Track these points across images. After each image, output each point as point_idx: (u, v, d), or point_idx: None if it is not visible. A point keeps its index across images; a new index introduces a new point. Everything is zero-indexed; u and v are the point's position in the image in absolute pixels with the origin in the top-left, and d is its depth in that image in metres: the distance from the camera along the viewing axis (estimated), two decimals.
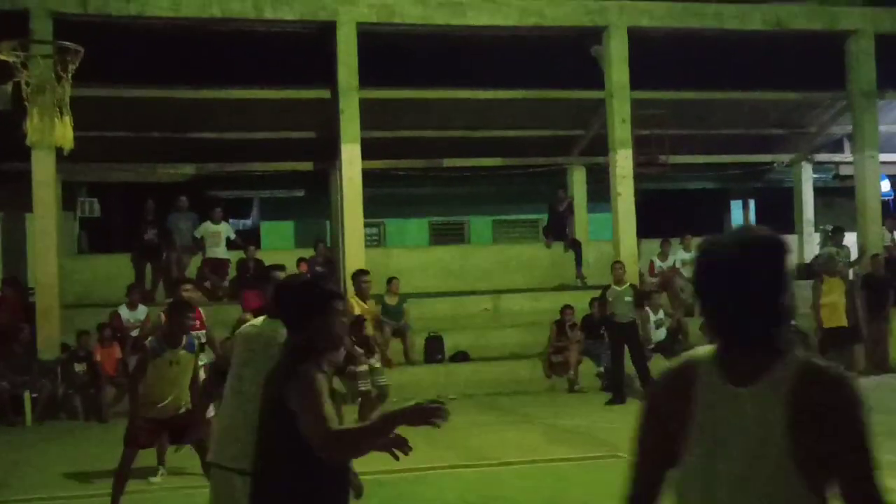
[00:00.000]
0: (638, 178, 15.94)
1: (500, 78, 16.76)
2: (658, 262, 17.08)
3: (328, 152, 15.73)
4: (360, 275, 12.30)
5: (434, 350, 15.26)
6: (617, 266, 14.19)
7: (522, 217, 23.61)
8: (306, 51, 15.84)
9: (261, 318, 4.94)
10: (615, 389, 13.30)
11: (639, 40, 15.60)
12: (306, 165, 17.72)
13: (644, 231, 16.31)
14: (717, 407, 2.28)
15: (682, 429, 2.31)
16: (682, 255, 17.31)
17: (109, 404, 13.09)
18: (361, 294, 12.12)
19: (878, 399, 8.12)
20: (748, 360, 2.29)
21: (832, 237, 17.88)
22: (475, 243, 22.56)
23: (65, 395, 13.32)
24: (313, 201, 20.19)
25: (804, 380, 2.22)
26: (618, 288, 13.77)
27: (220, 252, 16.41)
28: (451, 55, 16.62)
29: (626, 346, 13.54)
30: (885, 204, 18.79)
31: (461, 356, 15.30)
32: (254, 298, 15.22)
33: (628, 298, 13.68)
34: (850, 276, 16.68)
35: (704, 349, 2.41)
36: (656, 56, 15.91)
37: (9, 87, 9.81)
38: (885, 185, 20.64)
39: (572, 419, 12.00)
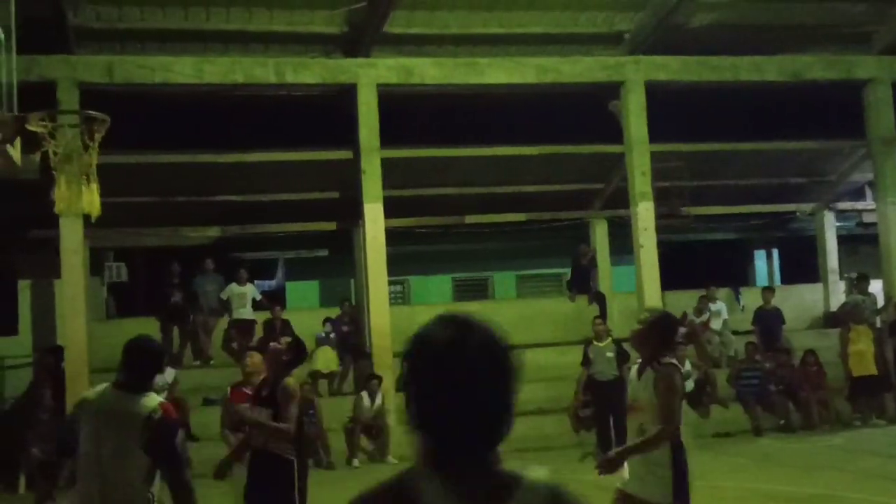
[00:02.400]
0: (660, 230, 15.96)
1: (519, 134, 16.93)
2: (691, 316, 17.01)
3: (351, 212, 15.88)
4: None
5: None
6: (596, 322, 14.02)
7: (546, 272, 23.65)
8: (328, 113, 16.08)
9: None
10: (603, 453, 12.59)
11: (656, 94, 15.73)
12: (330, 225, 17.88)
13: (667, 283, 16.29)
14: None
15: None
16: (711, 307, 17.28)
17: None
18: None
19: None
20: (483, 481, 2.04)
21: (857, 285, 17.79)
22: (499, 299, 22.59)
23: None
24: (337, 261, 20.32)
25: None
26: (599, 344, 13.54)
27: (247, 313, 16.51)
28: (471, 113, 16.82)
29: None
30: None
31: None
32: None
33: (610, 354, 13.36)
34: (878, 324, 16.58)
35: (406, 473, 2.09)
36: (674, 108, 16.04)
37: (37, 156, 9.99)
38: None
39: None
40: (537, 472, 2.04)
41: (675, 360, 5.73)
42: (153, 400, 5.01)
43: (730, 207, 19.92)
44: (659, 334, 5.72)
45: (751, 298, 18.56)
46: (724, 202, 19.52)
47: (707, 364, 16.14)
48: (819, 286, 20.40)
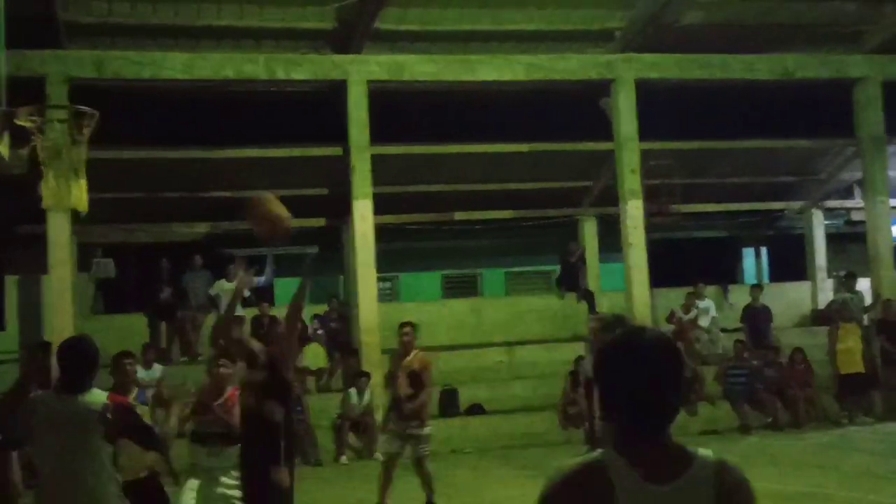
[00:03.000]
0: (649, 227, 15.99)
1: (509, 131, 16.92)
2: (680, 313, 17.05)
3: (340, 208, 15.87)
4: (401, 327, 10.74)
5: (449, 403, 15.23)
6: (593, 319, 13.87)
7: (535, 269, 23.64)
8: (318, 109, 16.05)
9: None
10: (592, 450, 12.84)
11: (647, 91, 15.75)
12: (319, 222, 17.86)
13: (656, 281, 16.32)
14: None
15: None
16: (699, 304, 17.32)
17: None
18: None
19: (893, 445, 8.15)
20: (661, 459, 2.44)
21: (845, 283, 17.86)
22: (488, 296, 22.60)
23: None
24: (326, 257, 20.30)
25: (724, 479, 2.43)
26: (589, 343, 13.48)
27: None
28: (461, 110, 16.82)
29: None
30: None
31: (476, 409, 15.27)
32: None
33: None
34: (865, 322, 16.65)
35: (595, 454, 2.49)
36: (665, 106, 16.06)
37: (25, 151, 9.94)
38: None
39: None
40: (704, 450, 2.48)
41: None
42: (98, 395, 5.24)
43: (719, 205, 19.97)
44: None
45: (739, 296, 18.61)
46: (714, 200, 19.56)
47: (695, 362, 16.17)
48: (807, 284, 20.47)
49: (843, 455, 12.30)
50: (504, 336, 17.47)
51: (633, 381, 2.47)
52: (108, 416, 5.14)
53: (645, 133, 15.76)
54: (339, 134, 15.29)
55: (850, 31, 16.39)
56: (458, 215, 18.58)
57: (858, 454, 12.41)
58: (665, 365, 2.48)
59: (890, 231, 17.37)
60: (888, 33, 16.17)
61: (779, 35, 16.13)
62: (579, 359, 14.59)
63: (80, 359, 5.33)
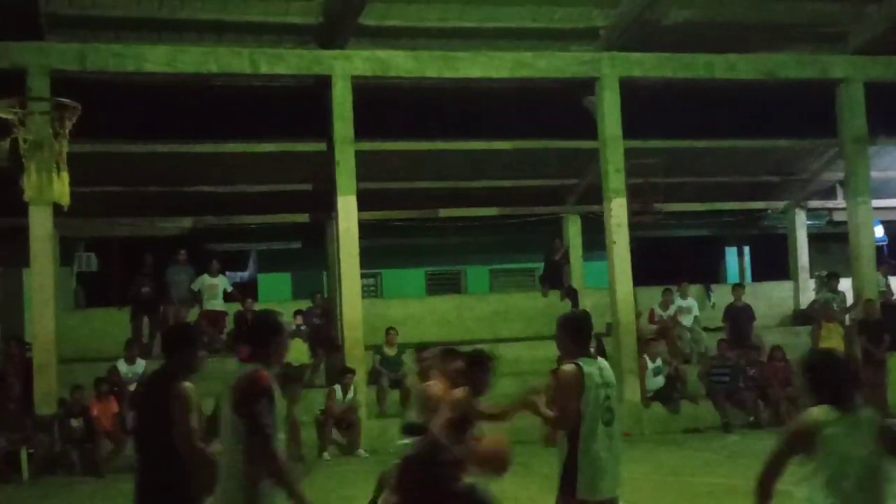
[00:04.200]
0: (633, 226, 16.01)
1: (495, 129, 16.93)
2: (659, 311, 17.10)
3: (325, 204, 15.83)
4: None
5: None
6: None
7: (519, 266, 23.69)
8: (302, 104, 16.01)
9: None
10: None
11: (631, 90, 15.76)
12: (303, 217, 17.82)
13: (640, 279, 16.35)
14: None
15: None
16: (679, 303, 17.36)
17: (106, 459, 13.04)
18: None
19: None
20: (859, 414, 4.38)
21: (827, 283, 17.94)
22: (472, 293, 22.60)
23: (61, 451, 13.26)
24: (310, 253, 20.26)
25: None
26: None
27: (218, 305, 16.44)
28: (446, 107, 16.82)
29: None
30: (878, 249, 18.86)
31: None
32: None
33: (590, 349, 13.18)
34: (847, 322, 16.72)
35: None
36: (649, 105, 16.08)
37: (6, 143, 9.88)
38: (879, 231, 20.75)
39: None
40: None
41: (579, 362, 5.59)
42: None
43: (702, 204, 20.04)
44: (566, 335, 5.78)
45: (722, 295, 18.67)
46: (697, 199, 19.63)
47: (678, 360, 16.22)
48: (789, 284, 20.56)
49: None
50: (487, 333, 17.47)
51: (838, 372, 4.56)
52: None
53: (630, 132, 15.78)
54: (323, 129, 15.25)
55: (833, 32, 16.44)
56: (443, 212, 18.58)
57: None
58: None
59: (871, 231, 17.45)
60: (871, 34, 16.21)
61: (763, 35, 16.17)
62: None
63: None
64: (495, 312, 18.51)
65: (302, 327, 15.92)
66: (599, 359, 5.90)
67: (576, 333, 5.92)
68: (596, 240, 17.61)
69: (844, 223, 17.82)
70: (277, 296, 21.65)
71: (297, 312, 16.20)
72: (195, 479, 5.07)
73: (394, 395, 14.99)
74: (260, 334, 5.00)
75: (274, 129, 16.21)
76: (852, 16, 16.12)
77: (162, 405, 5.16)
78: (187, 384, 5.20)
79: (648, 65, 15.90)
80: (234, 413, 4.72)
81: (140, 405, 5.51)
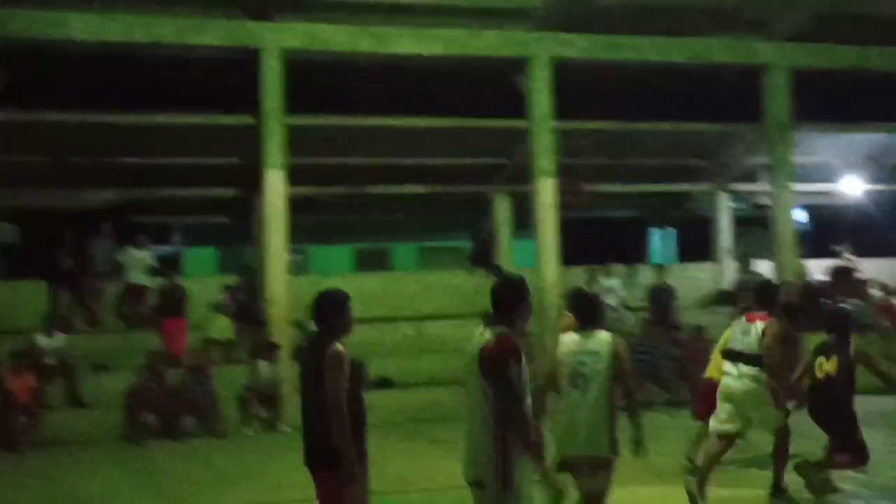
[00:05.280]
0: (561, 206, 16.12)
1: (426, 106, 16.87)
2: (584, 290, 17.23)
3: (252, 178, 15.64)
4: None
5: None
6: None
7: (447, 244, 23.72)
8: (231, 77, 15.77)
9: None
10: None
11: (563, 71, 15.83)
12: (230, 192, 17.61)
13: (567, 259, 16.48)
14: None
15: None
16: (606, 283, 17.52)
17: (22, 433, 12.78)
18: None
19: (797, 424, 8.40)
20: None
21: (747, 265, 18.31)
22: (400, 271, 22.59)
23: None
24: (237, 228, 20.03)
25: None
26: None
27: (141, 279, 16.16)
28: (380, 83, 16.69)
29: None
30: (800, 233, 19.27)
31: (384, 383, 15.26)
32: (173, 326, 15.07)
33: None
34: None
35: None
36: (580, 86, 16.17)
37: None
38: (801, 215, 21.22)
39: None
40: None
41: (508, 330, 5.12)
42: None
43: (630, 186, 20.25)
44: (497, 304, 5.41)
45: (647, 276, 18.91)
46: (625, 181, 19.83)
47: None
48: (712, 265, 20.92)
49: None
50: (414, 311, 17.47)
51: None
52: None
53: (561, 112, 15.86)
54: (252, 103, 15.04)
55: (761, 19, 16.69)
56: (372, 189, 18.49)
57: (756, 431, 12.69)
58: None
59: (793, 216, 17.83)
60: (798, 22, 16.51)
61: (693, 19, 16.33)
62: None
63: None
64: (423, 290, 18.51)
65: (227, 302, 15.78)
66: (597, 332, 6.24)
67: (574, 309, 6.52)
68: (524, 219, 17.71)
69: (767, 207, 18.17)
70: (202, 270, 21.40)
71: (225, 288, 16.06)
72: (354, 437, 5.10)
73: None
74: (508, 299, 5.02)
75: (202, 102, 15.95)
76: (780, 3, 16.38)
77: (318, 367, 5.23)
78: (339, 346, 5.28)
79: (580, 46, 15.98)
80: (484, 378, 4.66)
81: (302, 368, 5.56)
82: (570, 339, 6.23)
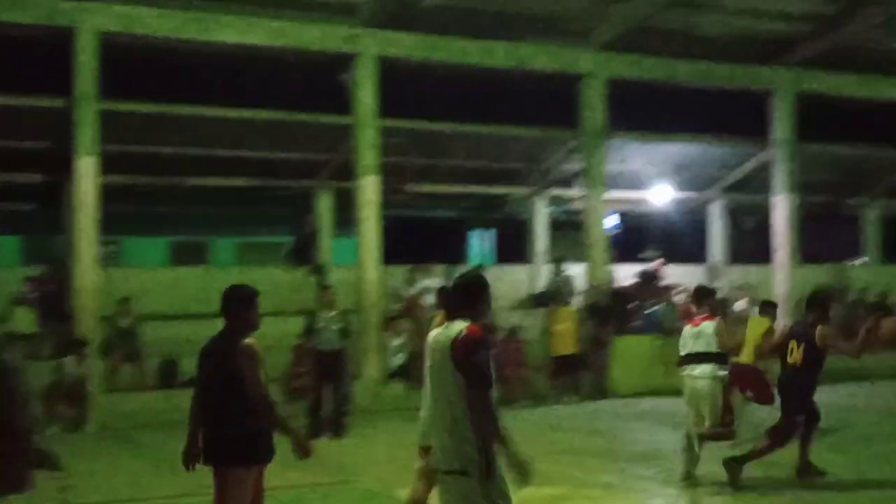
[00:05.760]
0: (384, 205, 16.13)
1: (251, 97, 16.52)
2: (403, 290, 17.31)
3: (63, 165, 14.92)
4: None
5: (168, 374, 14.77)
6: (326, 292, 13.39)
7: (268, 240, 23.36)
8: (43, 57, 14.99)
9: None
10: (313, 422, 12.54)
11: (391, 69, 15.84)
12: (38, 177, 16.75)
13: (389, 258, 16.51)
14: None
15: None
16: (426, 283, 17.64)
17: None
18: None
19: (594, 422, 8.66)
20: None
21: (560, 268, 18.84)
22: (218, 265, 22.08)
23: None
24: (45, 216, 19.08)
25: None
26: (326, 314, 12.94)
27: None
28: (202, 72, 16.25)
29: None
30: (611, 238, 19.98)
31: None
32: None
33: (335, 326, 12.87)
34: (579, 306, 17.60)
35: None
36: (408, 85, 16.23)
37: None
38: (613, 220, 22.00)
39: None
40: None
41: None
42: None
43: (451, 187, 20.47)
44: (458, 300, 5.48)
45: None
46: (447, 181, 20.03)
47: (421, 338, 16.49)
48: (528, 267, 21.41)
49: (545, 431, 12.87)
50: None
51: None
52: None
53: (387, 110, 15.86)
54: (65, 85, 14.34)
55: (581, 28, 17.17)
56: (192, 181, 17.98)
57: (558, 432, 13.09)
58: None
59: (605, 221, 18.47)
60: (615, 32, 17.08)
61: (518, 25, 16.66)
62: (309, 332, 14.26)
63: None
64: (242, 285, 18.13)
65: (32, 295, 15.02)
66: (456, 322, 6.00)
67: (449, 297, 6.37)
68: (347, 217, 17.62)
69: (581, 212, 18.73)
70: (6, 260, 20.30)
71: (28, 279, 15.27)
72: (263, 428, 5.39)
73: (126, 369, 14.45)
74: (469, 295, 5.12)
75: (10, 82, 15.08)
76: (598, 13, 16.90)
77: (228, 362, 5.40)
78: (251, 341, 5.52)
79: (407, 45, 16.04)
80: (457, 367, 4.81)
81: (205, 363, 5.63)
82: (434, 333, 6.23)
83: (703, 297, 9.60)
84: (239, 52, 15.46)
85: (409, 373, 15.70)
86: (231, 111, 16.63)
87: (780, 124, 19.21)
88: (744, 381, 10.67)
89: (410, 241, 20.48)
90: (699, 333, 9.15)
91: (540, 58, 17.16)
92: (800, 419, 9.01)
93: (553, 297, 17.76)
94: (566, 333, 16.37)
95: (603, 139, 17.85)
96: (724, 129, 20.04)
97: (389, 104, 15.90)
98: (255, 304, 5.78)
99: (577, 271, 18.56)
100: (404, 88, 16.10)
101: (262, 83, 16.42)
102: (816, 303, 9.24)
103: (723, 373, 9.11)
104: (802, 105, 19.19)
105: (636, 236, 24.99)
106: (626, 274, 19.75)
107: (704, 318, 9.21)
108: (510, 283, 20.33)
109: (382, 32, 15.75)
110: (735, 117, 19.93)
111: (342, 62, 15.86)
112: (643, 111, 18.66)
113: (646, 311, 17.87)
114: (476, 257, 25.57)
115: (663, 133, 19.76)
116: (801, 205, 19.62)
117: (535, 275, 21.05)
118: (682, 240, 24.10)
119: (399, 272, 17.69)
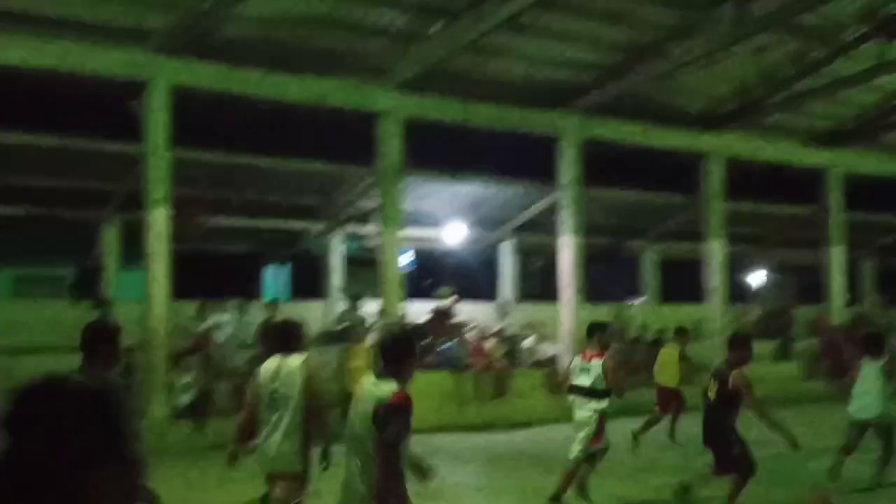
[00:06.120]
0: (175, 238, 15.64)
1: (34, 122, 15.71)
2: (193, 326, 16.84)
3: None
4: None
5: None
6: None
7: (49, 273, 22.20)
8: None
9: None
10: None
11: (185, 99, 15.44)
12: None
13: (180, 293, 16.00)
14: None
15: None
16: (216, 318, 17.22)
17: None
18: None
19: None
20: None
21: (353, 305, 18.84)
22: None
23: None
24: None
25: None
26: None
27: None
28: None
29: None
30: (405, 275, 20.16)
31: None
32: None
33: None
34: (369, 342, 17.58)
35: None
36: (203, 116, 15.86)
37: None
38: (407, 257, 22.22)
39: None
40: None
41: (401, 385, 5.79)
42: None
43: (245, 220, 20.14)
44: (386, 357, 6.18)
45: (259, 312, 18.83)
46: (242, 215, 19.68)
47: (210, 374, 16.08)
48: (324, 303, 21.29)
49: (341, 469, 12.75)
50: (9, 342, 16.10)
51: None
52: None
53: (180, 140, 15.43)
54: None
55: (379, 66, 17.32)
56: None
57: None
58: None
59: (399, 258, 18.61)
60: (413, 72, 17.32)
61: (317, 60, 16.60)
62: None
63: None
64: (19, 321, 17.14)
65: None
66: (288, 357, 7.14)
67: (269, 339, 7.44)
68: (135, 250, 16.99)
69: (376, 248, 18.81)
70: None
71: None
72: None
73: None
74: (398, 353, 5.60)
75: None
76: (396, 53, 17.08)
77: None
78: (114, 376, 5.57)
79: (202, 74, 15.68)
80: (377, 429, 5.23)
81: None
82: (268, 366, 7.12)
83: (594, 332, 9.98)
84: (25, 73, 14.66)
85: (197, 411, 15.25)
86: (10, 136, 15.78)
87: (567, 168, 19.90)
88: (666, 402, 13.14)
89: (203, 275, 19.96)
90: (588, 369, 9.69)
91: (338, 94, 17.18)
92: (736, 449, 9.20)
93: (346, 333, 17.69)
94: (361, 371, 16.29)
95: (399, 177, 18.00)
96: (517, 172, 20.68)
97: (183, 135, 15.49)
98: (117, 339, 6.28)
99: (372, 308, 18.59)
100: (199, 119, 15.74)
101: (49, 106, 15.65)
102: (736, 343, 9.43)
103: (602, 406, 9.74)
104: (588, 150, 19.98)
105: (430, 273, 25.33)
106: (419, 310, 19.95)
107: (595, 355, 9.73)
108: (304, 319, 20.12)
109: (175, 60, 15.34)
110: (527, 160, 20.61)
111: (134, 89, 15.33)
112: (440, 151, 19.01)
113: (439, 348, 18.10)
114: (270, 292, 25.20)
115: (458, 173, 20.18)
116: (586, 246, 20.39)
117: (330, 311, 20.96)
118: (474, 277, 24.61)
119: (189, 307, 17.19)
